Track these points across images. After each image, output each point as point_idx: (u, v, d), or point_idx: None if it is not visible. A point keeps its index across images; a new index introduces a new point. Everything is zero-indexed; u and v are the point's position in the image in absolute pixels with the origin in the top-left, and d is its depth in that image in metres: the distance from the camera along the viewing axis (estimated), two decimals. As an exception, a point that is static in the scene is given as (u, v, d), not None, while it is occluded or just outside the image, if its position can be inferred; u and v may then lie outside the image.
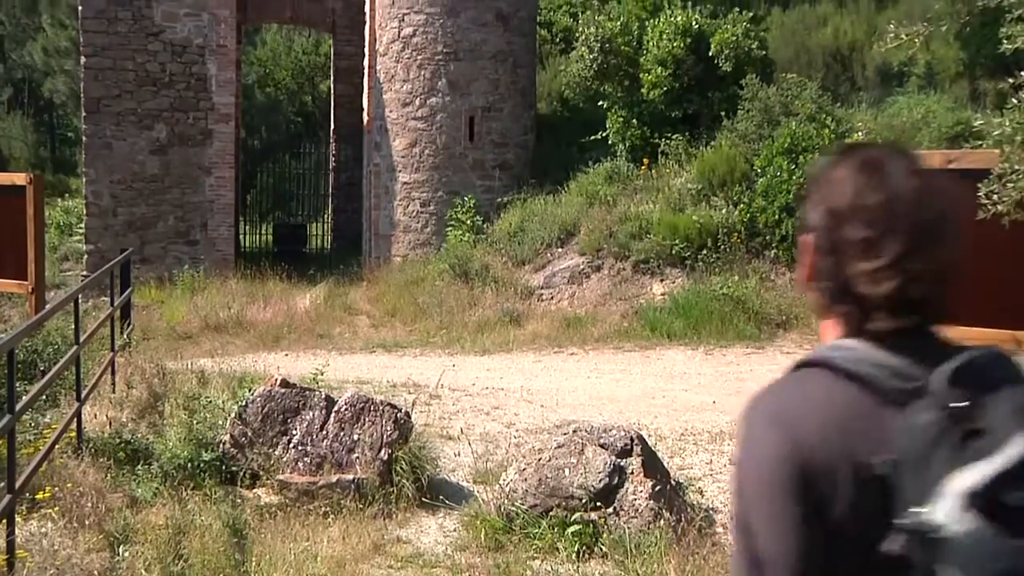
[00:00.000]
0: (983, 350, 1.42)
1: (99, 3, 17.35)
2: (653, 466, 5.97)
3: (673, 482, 6.17)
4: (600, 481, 5.68)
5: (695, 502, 6.26)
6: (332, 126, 22.37)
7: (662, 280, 13.32)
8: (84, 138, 17.82)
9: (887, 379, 1.42)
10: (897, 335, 1.43)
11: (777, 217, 12.51)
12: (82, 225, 18.36)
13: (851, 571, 1.41)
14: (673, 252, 13.19)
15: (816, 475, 1.40)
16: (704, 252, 12.97)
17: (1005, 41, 5.23)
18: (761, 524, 1.44)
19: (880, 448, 1.37)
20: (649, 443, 6.32)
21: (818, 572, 1.40)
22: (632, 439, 5.97)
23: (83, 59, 17.62)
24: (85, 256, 17.84)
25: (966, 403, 1.32)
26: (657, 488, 5.73)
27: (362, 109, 19.19)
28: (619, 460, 5.81)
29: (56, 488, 5.61)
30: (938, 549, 1.28)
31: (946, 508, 1.28)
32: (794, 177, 12.31)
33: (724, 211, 13.25)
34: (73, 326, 6.92)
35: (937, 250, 1.43)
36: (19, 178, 8.27)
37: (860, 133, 12.68)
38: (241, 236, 21.43)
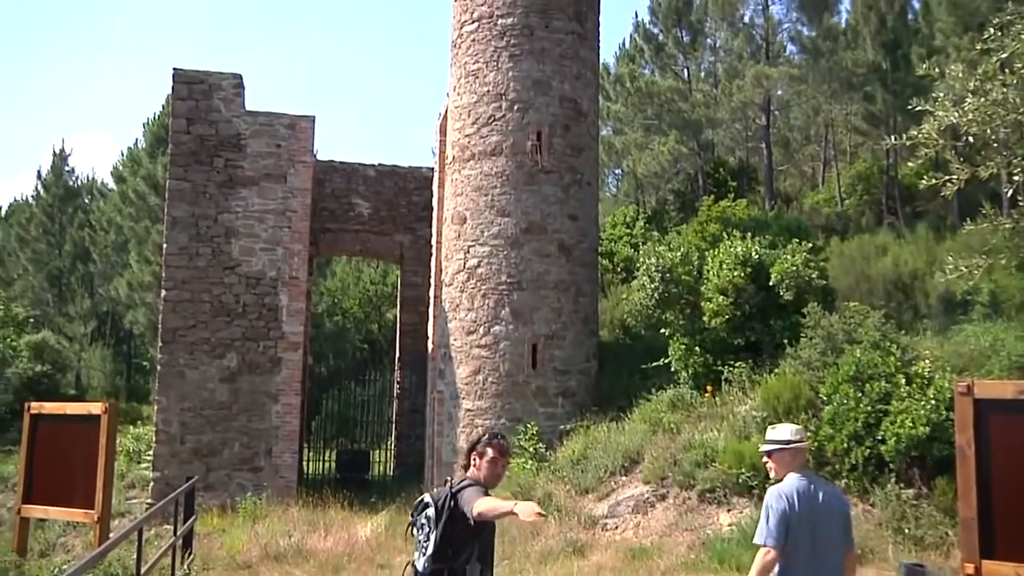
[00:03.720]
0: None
1: (182, 240, 18.32)
2: None
3: None
4: None
5: None
6: (397, 353, 22.77)
7: (729, 510, 12.93)
8: (159, 367, 18.35)
9: None
10: None
11: (846, 445, 12.21)
12: (150, 452, 18.61)
13: None
14: (740, 481, 12.87)
15: None
16: (771, 481, 12.64)
17: (1066, 274, 5.26)
18: None
19: None
20: None
21: None
22: None
23: (164, 292, 18.43)
24: (151, 483, 17.98)
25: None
26: None
27: (427, 337, 19.61)
28: None
29: None
30: None
31: None
32: (861, 405, 12.11)
33: (791, 439, 12.99)
34: (135, 555, 6.91)
35: None
36: (95, 407, 8.49)
37: (927, 361, 12.54)
38: (304, 462, 21.48)
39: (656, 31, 32.82)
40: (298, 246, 18.74)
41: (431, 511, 5.39)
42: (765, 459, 5.85)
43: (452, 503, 5.36)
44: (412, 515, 5.55)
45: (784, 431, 5.77)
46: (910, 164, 15.37)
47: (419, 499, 5.56)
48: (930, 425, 11.30)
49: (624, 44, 36.16)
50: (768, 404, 13.56)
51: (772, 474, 5.93)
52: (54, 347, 33.36)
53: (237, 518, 15.97)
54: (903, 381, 12.10)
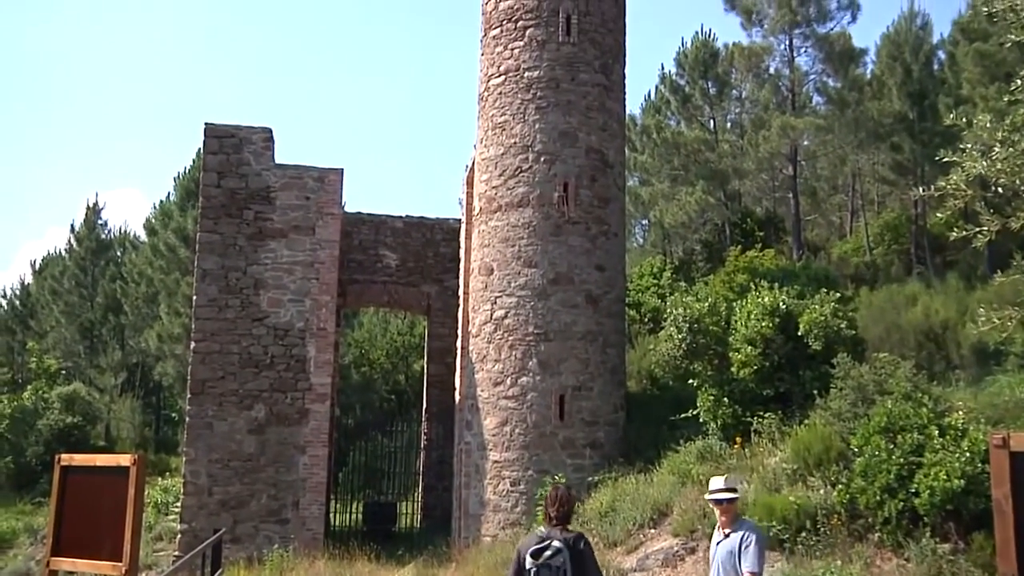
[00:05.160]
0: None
1: (212, 292, 18.47)
2: None
3: None
4: None
5: None
6: (424, 404, 22.74)
7: (761, 564, 12.73)
8: (187, 418, 18.42)
9: None
10: None
11: (879, 498, 12.01)
12: (178, 504, 18.60)
13: None
14: (771, 535, 12.67)
15: None
16: (803, 535, 12.43)
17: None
18: None
19: None
20: None
21: None
22: None
23: (193, 343, 18.54)
24: (179, 535, 17.95)
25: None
26: None
27: (454, 388, 19.58)
28: None
29: None
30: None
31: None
32: (894, 457, 11.93)
33: (822, 492, 12.81)
34: (162, 610, 6.88)
35: None
36: (124, 459, 8.50)
37: (960, 412, 12.36)
38: (331, 514, 21.39)
39: (682, 82, 32.98)
40: (326, 297, 18.84)
41: (566, 554, 6.19)
42: (721, 507, 7.11)
43: (581, 547, 6.30)
44: (534, 555, 6.22)
45: (733, 481, 7.16)
46: (939, 214, 15.30)
47: (542, 543, 6.27)
48: (965, 478, 11.10)
49: (650, 95, 36.36)
50: (798, 456, 13.40)
51: (724, 518, 7.12)
52: (85, 399, 33.60)
53: (264, 571, 15.90)
54: (936, 433, 11.91)
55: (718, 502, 7.19)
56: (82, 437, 30.98)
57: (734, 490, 7.14)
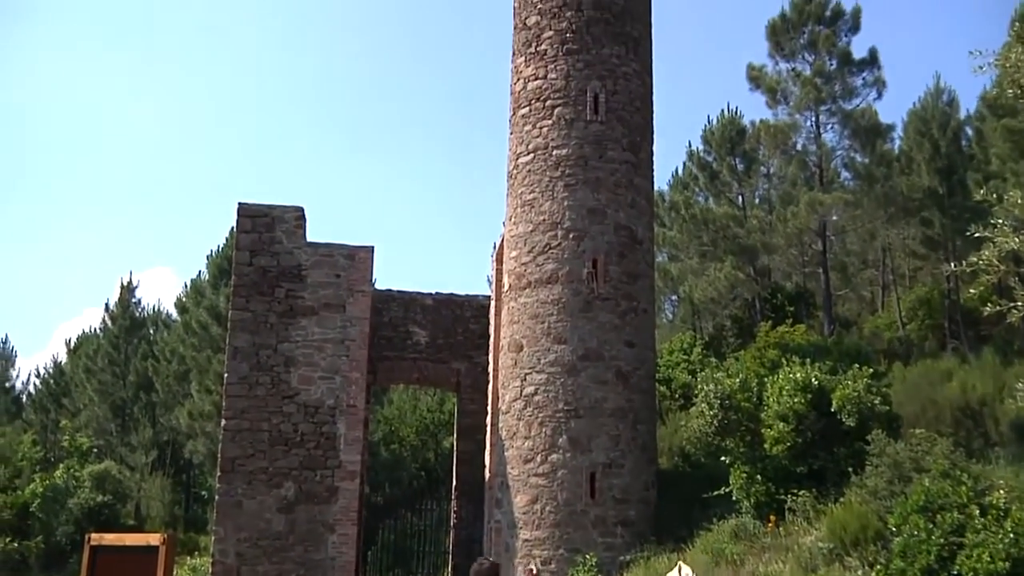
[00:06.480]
0: None
1: (243, 369, 18.53)
2: None
3: None
4: None
5: None
6: (454, 482, 22.54)
7: (799, 648, 12.42)
8: (217, 497, 18.33)
9: None
10: None
11: (919, 579, 11.73)
12: (207, 584, 18.45)
13: None
14: (809, 617, 12.40)
15: None
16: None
17: None
18: None
19: None
20: None
21: None
22: None
23: (223, 421, 18.55)
24: (206, 617, 17.77)
25: None
26: None
27: (484, 465, 19.43)
28: None
29: None
30: None
31: None
32: (933, 537, 11.66)
33: (860, 572, 12.53)
34: None
35: None
36: (154, 539, 8.52)
37: (1002, 491, 12.09)
38: (360, 595, 21.11)
39: (710, 159, 33.23)
40: (356, 374, 18.83)
41: None
42: None
43: None
44: None
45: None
46: (972, 290, 15.21)
47: None
48: (1010, 560, 10.81)
49: (677, 172, 36.61)
50: (835, 535, 13.15)
51: None
52: (116, 477, 33.63)
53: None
54: (977, 512, 11.65)
55: None
56: (112, 516, 30.93)
57: None
